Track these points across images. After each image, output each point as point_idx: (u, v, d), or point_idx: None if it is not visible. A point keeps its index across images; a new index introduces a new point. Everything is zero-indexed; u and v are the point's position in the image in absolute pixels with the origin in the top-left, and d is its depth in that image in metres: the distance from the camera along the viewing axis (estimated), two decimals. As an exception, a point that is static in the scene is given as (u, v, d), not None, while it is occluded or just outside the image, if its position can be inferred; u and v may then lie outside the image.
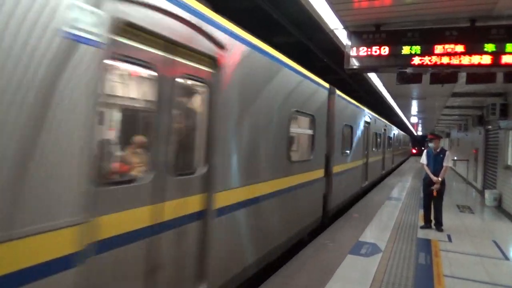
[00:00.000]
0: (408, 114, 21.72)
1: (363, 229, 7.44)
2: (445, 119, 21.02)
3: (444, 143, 28.74)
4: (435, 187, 7.51)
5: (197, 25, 3.27)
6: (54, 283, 2.06)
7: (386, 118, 19.92)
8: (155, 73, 2.90)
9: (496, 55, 4.93)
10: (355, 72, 6.05)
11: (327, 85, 7.76)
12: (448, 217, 8.38)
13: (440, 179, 7.49)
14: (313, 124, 6.84)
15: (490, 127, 12.82)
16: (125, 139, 3.35)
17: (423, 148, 8.81)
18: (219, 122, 3.70)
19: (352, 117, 10.31)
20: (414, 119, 24.94)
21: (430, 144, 8.10)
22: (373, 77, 9.84)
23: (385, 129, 18.16)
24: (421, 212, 8.55)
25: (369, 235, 7.02)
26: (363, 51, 5.44)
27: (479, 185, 14.58)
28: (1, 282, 1.82)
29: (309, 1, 4.85)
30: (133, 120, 3.59)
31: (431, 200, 7.72)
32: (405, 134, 36.27)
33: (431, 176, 7.58)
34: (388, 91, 12.47)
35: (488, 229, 8.22)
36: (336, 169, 8.32)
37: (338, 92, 8.39)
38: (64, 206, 2.12)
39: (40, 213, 1.99)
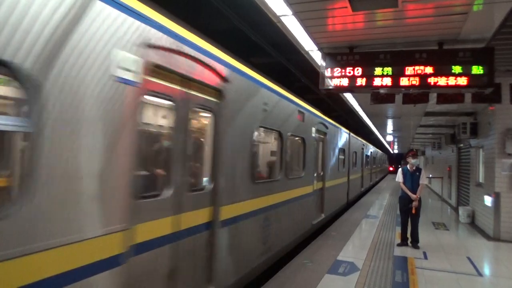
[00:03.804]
0: (384, 133, 22.20)
1: (341, 248, 7.44)
2: (420, 138, 21.57)
3: (419, 160, 29.32)
4: (414, 204, 7.68)
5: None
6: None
7: (363, 136, 20.17)
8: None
9: (463, 76, 5.15)
10: (330, 92, 6.17)
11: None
12: (424, 234, 8.51)
13: (418, 196, 7.68)
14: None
15: (462, 145, 13.23)
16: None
17: (399, 166, 8.89)
18: (326, 154, 10.26)
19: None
20: (390, 138, 25.49)
21: (413, 161, 7.88)
22: (349, 97, 10.06)
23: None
24: (398, 229, 8.64)
25: (347, 254, 7.02)
26: (337, 72, 5.58)
27: (453, 202, 14.92)
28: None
29: (284, 24, 4.97)
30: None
31: (409, 218, 7.85)
32: (381, 152, 36.50)
33: (410, 193, 7.73)
34: (364, 111, 12.75)
35: (462, 245, 8.37)
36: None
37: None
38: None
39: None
